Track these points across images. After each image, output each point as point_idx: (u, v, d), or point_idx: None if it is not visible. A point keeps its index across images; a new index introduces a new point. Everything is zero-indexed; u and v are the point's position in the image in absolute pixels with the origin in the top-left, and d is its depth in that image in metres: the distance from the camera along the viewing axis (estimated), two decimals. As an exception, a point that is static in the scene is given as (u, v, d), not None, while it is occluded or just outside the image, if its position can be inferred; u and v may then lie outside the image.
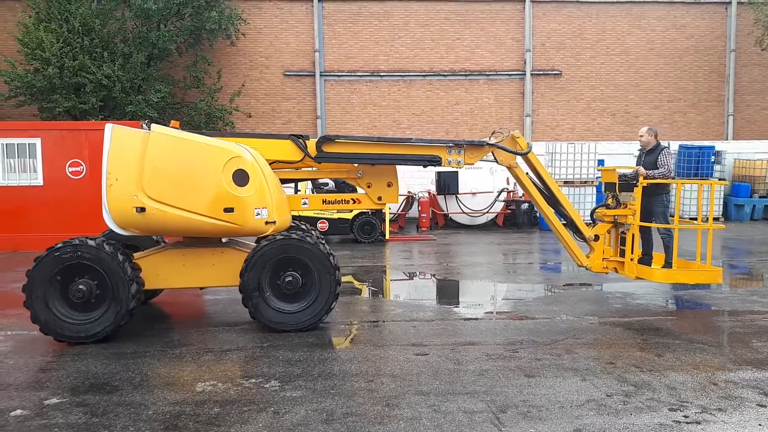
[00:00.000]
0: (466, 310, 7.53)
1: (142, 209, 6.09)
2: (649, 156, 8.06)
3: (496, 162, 7.47)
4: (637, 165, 8.20)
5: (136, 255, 6.53)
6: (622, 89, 21.57)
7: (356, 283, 9.53)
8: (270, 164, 6.80)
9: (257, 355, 5.58)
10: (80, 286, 5.95)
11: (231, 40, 19.58)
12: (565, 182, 16.87)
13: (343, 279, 9.77)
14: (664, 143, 8.31)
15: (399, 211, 16.59)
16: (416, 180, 18.16)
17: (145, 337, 6.24)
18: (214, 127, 19.38)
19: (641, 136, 8.21)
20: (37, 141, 13.12)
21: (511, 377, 4.92)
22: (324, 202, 7.69)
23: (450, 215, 17.10)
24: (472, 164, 7.42)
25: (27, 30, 17.10)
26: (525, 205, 16.89)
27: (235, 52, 20.45)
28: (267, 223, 6.39)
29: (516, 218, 17.08)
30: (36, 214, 12.86)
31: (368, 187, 7.40)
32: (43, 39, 16.71)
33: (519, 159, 7.42)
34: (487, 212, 16.86)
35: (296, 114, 20.96)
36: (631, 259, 7.48)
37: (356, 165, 7.30)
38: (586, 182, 17.21)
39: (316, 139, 7.03)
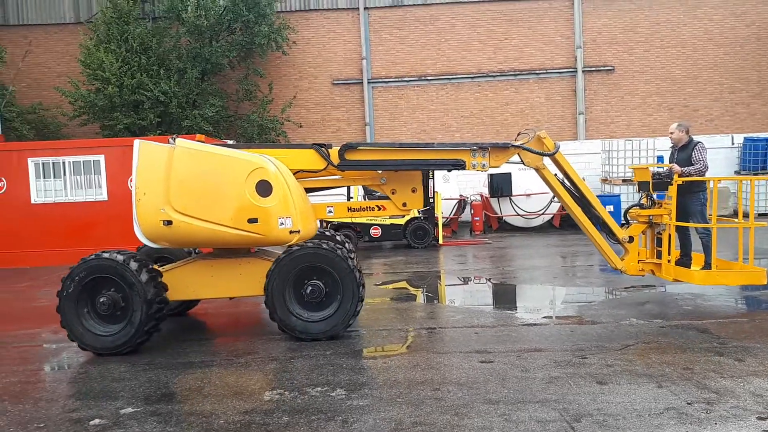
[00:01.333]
0: (527, 315, 7.36)
1: (169, 222, 6.24)
2: (683, 152, 7.63)
3: (523, 164, 7.30)
4: (670, 162, 7.77)
5: (165, 267, 6.68)
6: (679, 82, 20.83)
7: (411, 289, 9.48)
8: (295, 174, 6.88)
9: (321, 363, 5.59)
10: (102, 299, 6.09)
11: (282, 50, 19.90)
12: (623, 180, 16.38)
13: (398, 285, 9.78)
14: (698, 138, 7.83)
15: (451, 215, 16.46)
16: (468, 183, 18.00)
17: (211, 346, 6.36)
18: (266, 138, 19.74)
19: (671, 133, 7.77)
20: (101, 158, 13.66)
21: (582, 384, 4.77)
22: (349, 209, 7.68)
23: (504, 218, 16.84)
24: (498, 167, 7.32)
25: (89, 52, 17.86)
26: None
27: (285, 63, 20.78)
28: (291, 232, 6.45)
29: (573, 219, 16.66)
30: (101, 229, 13.36)
31: (392, 193, 7.38)
32: (104, 60, 17.42)
33: (547, 160, 7.26)
34: (543, 214, 16.52)
35: (345, 122, 21.12)
36: (669, 261, 7.16)
37: (380, 172, 7.26)
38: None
39: (338, 148, 7.03)
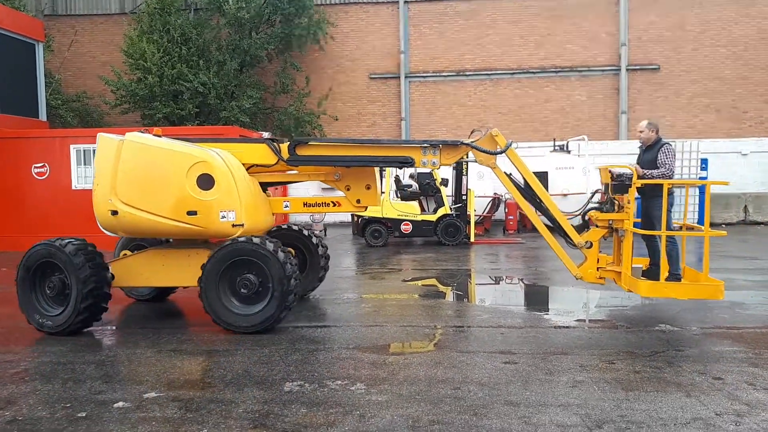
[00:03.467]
0: (557, 318, 7.22)
1: (115, 212, 6.50)
2: (648, 153, 7.00)
3: (477, 162, 7.12)
4: (637, 163, 7.20)
5: (125, 253, 7.13)
6: (728, 83, 20.13)
7: (440, 287, 9.41)
8: (249, 168, 6.97)
9: (343, 357, 5.59)
10: (51, 282, 6.52)
11: (320, 45, 19.98)
12: (664, 183, 15.92)
13: (427, 282, 9.71)
14: (666, 139, 7.06)
15: (484, 214, 16.28)
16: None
17: (235, 335, 6.42)
18: (302, 131, 19.88)
19: (641, 131, 7.12)
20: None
21: (607, 390, 4.63)
22: (305, 204, 7.57)
23: (582, 216, 16.52)
24: (449, 165, 7.16)
25: (132, 42, 18.28)
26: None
27: (323, 57, 20.86)
28: (234, 225, 6.50)
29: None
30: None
31: (347, 189, 7.35)
32: (146, 50, 17.79)
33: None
34: (580, 214, 16.17)
35: (381, 116, 21.11)
36: (646, 269, 6.74)
37: (335, 168, 7.26)
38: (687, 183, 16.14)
39: (288, 143, 7.06)
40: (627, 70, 20.22)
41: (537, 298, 8.80)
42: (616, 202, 6.86)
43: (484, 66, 20.71)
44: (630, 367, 5.18)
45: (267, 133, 15.44)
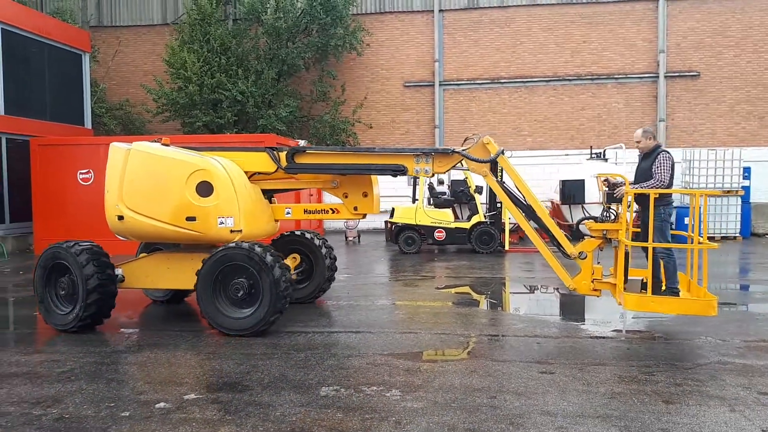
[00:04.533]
0: (594, 328, 7.12)
1: (121, 217, 6.89)
2: (645, 161, 6.71)
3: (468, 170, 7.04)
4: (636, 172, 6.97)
5: (142, 256, 7.56)
6: (772, 89, 19.57)
7: (474, 295, 9.37)
8: (251, 176, 7.20)
9: (378, 363, 5.62)
10: (62, 281, 6.92)
11: (357, 51, 20.16)
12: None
13: (460, 290, 9.68)
14: (663, 146, 6.75)
15: (520, 221, 16.14)
16: (538, 189, 17.55)
17: (273, 339, 6.51)
18: (337, 138, 20.05)
19: (638, 141, 6.82)
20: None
21: (647, 402, 4.56)
22: (305, 212, 7.72)
23: (576, 225, 16.34)
24: (443, 173, 7.12)
25: (173, 52, 18.73)
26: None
27: (358, 65, 21.03)
28: (232, 231, 6.75)
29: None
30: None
31: (345, 197, 7.43)
32: (186, 59, 18.21)
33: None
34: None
35: (415, 124, 21.14)
36: (647, 282, 6.41)
37: (333, 175, 7.36)
38: (729, 192, 15.77)
39: (286, 151, 7.17)
40: (665, 77, 19.84)
41: (573, 307, 8.69)
42: (614, 211, 6.74)
43: (519, 73, 20.59)
44: (670, 379, 5.08)
45: (303, 141, 15.63)
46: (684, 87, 19.95)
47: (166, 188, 6.81)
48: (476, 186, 14.17)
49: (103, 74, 21.58)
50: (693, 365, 5.46)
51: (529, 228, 6.94)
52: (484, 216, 14.03)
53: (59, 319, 6.87)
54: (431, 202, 14.89)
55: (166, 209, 6.78)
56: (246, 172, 7.17)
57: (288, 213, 7.65)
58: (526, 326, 7.11)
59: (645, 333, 6.79)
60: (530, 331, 6.86)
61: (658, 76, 19.87)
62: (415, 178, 14.39)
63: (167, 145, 7.19)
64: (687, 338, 6.42)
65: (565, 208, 16.22)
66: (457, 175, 15.20)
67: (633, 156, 17.47)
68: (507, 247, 14.13)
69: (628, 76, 20.13)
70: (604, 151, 17.55)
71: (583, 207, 15.86)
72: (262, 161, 7.28)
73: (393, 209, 14.58)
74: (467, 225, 14.04)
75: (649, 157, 6.70)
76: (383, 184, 20.09)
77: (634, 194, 6.37)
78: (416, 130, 21.07)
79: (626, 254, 6.32)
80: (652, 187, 6.36)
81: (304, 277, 8.33)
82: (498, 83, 20.69)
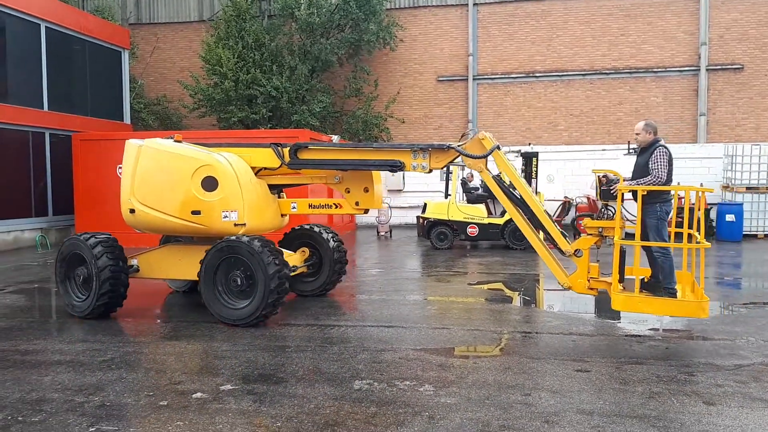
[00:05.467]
0: (630, 326, 6.98)
1: (133, 210, 7.25)
2: (642, 156, 6.51)
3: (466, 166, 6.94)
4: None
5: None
6: (820, 82, 18.86)
7: (507, 291, 9.29)
8: (258, 171, 7.43)
9: (411, 357, 5.62)
10: (77, 271, 7.31)
11: (390, 46, 20.14)
12: (748, 188, 15.10)
13: (493, 286, 9.59)
14: (662, 141, 6.47)
15: (554, 218, 15.90)
16: (574, 185, 17.34)
17: (306, 332, 6.58)
18: (370, 133, 20.07)
19: (637, 133, 6.61)
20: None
21: (686, 403, 4.45)
22: (310, 206, 7.79)
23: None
24: (440, 168, 7.14)
25: (209, 48, 19.01)
26: (700, 213, 15.29)
27: (391, 60, 21.01)
28: (236, 225, 6.99)
29: (688, 227, 15.52)
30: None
31: (347, 192, 7.50)
32: (222, 56, 18.45)
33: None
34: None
35: (447, 119, 21.03)
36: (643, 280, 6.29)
37: (336, 171, 7.42)
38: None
39: (289, 147, 7.25)
40: (707, 70, 19.29)
41: (608, 305, 8.50)
42: (612, 208, 6.52)
43: (555, 67, 20.28)
44: (711, 380, 4.96)
45: (336, 137, 15.70)
46: (726, 80, 19.38)
47: (174, 183, 7.11)
48: (510, 182, 14.01)
49: (141, 71, 22.03)
50: (734, 366, 5.31)
51: (523, 224, 6.86)
52: (518, 212, 13.86)
53: (77, 306, 7.27)
54: (464, 197, 14.80)
55: (174, 203, 7.09)
56: (253, 168, 7.39)
57: (294, 207, 7.81)
58: (561, 324, 7.03)
59: (683, 332, 6.64)
60: (565, 328, 6.77)
61: (699, 70, 19.35)
62: (448, 173, 14.31)
63: (180, 141, 7.49)
64: (727, 338, 6.25)
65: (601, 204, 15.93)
66: (492, 169, 15.07)
67: (672, 151, 17.06)
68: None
69: (668, 69, 19.64)
70: (642, 146, 17.15)
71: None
72: (267, 157, 7.45)
73: (425, 204, 14.54)
74: (501, 221, 13.91)
75: (646, 152, 6.52)
76: (415, 179, 20.11)
77: (630, 191, 6.20)
78: (449, 124, 20.95)
79: (622, 253, 6.14)
80: (648, 184, 6.18)
81: (315, 270, 8.46)
82: (533, 77, 20.42)
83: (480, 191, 15.15)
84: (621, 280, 6.17)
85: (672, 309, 6.04)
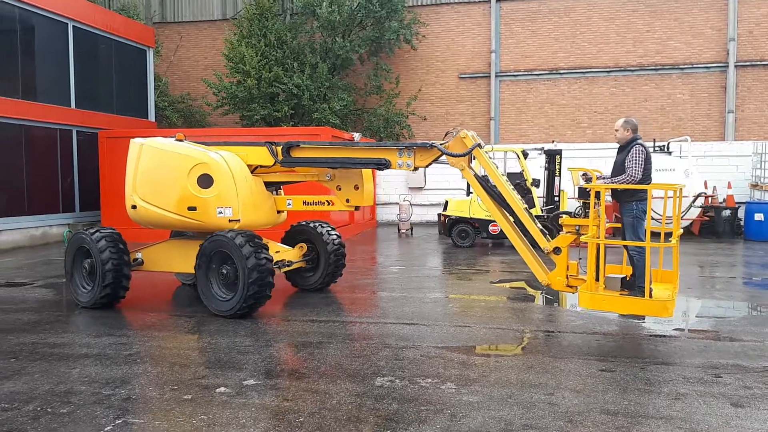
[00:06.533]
0: (655, 326, 6.88)
1: (134, 206, 7.59)
2: (620, 154, 6.49)
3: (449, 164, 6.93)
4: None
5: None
6: None
7: (529, 290, 9.21)
8: (254, 169, 7.60)
9: (432, 355, 5.61)
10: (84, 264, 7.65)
11: (411, 44, 20.10)
12: (777, 187, 14.77)
13: (516, 284, 9.53)
14: (641, 139, 6.41)
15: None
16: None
17: (329, 328, 6.60)
18: (391, 131, 20.06)
19: (616, 130, 6.58)
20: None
21: (713, 405, 4.38)
22: (304, 203, 7.91)
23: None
24: (424, 166, 7.16)
25: (232, 46, 19.16)
26: (726, 212, 15.06)
27: (413, 57, 20.97)
28: (231, 221, 7.23)
29: (715, 226, 15.30)
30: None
31: (338, 189, 7.66)
32: (245, 54, 18.59)
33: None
34: (681, 219, 15.34)
35: (469, 116, 20.93)
36: (621, 278, 6.28)
37: (326, 169, 7.54)
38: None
39: (281, 145, 7.39)
40: (735, 66, 18.93)
41: (633, 305, 8.41)
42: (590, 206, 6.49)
43: (579, 64, 20.07)
44: (739, 381, 4.87)
45: (358, 134, 15.72)
46: (756, 77, 19.00)
47: (171, 180, 7.38)
48: (533, 179, 13.90)
49: (165, 69, 22.29)
50: (763, 368, 5.21)
51: (504, 222, 6.87)
52: (541, 210, 13.75)
53: (83, 297, 7.62)
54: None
55: (171, 199, 7.37)
56: (249, 166, 7.57)
57: (289, 204, 7.97)
58: (584, 323, 6.96)
59: (709, 332, 6.53)
60: (589, 327, 6.70)
61: (727, 66, 19.00)
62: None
63: (182, 140, 7.74)
64: (756, 339, 6.13)
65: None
66: (514, 167, 14.96)
67: (699, 149, 16.82)
68: (564, 242, 13.77)
69: (694, 66, 19.32)
70: (668, 143, 16.91)
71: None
72: (262, 155, 7.60)
73: (446, 202, 14.48)
74: (523, 219, 13.78)
75: (624, 150, 6.50)
76: (436, 176, 20.00)
77: (608, 189, 6.21)
78: (471, 122, 20.86)
79: (599, 251, 6.07)
80: (622, 182, 6.22)
81: (314, 264, 8.59)
82: (556, 74, 20.24)
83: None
84: (598, 278, 6.12)
85: (636, 308, 6.00)
